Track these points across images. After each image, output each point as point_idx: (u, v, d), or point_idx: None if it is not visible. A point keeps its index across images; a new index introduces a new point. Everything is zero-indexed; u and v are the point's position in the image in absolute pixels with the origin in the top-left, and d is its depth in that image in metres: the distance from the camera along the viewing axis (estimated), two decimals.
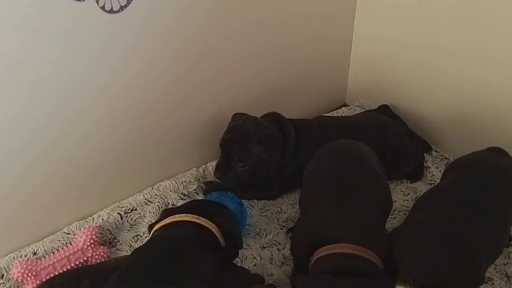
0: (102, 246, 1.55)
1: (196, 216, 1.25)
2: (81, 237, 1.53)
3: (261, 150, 1.62)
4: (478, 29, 1.62)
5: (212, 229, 1.25)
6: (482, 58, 1.65)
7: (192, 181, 1.77)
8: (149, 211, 1.68)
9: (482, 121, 1.75)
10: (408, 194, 1.75)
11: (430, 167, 1.83)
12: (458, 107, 1.80)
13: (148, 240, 1.28)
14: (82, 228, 1.57)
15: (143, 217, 1.67)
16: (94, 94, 1.47)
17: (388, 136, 1.75)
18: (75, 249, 1.51)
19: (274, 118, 1.73)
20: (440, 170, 1.81)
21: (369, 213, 1.28)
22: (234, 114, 1.72)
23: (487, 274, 1.45)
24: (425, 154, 1.86)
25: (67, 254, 1.50)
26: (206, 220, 1.26)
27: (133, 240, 1.61)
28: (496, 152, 1.48)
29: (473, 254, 1.18)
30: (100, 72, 1.44)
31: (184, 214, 1.26)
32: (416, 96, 1.95)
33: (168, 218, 1.27)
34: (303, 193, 1.47)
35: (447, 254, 1.16)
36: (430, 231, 1.22)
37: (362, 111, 2.09)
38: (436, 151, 1.90)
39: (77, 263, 1.49)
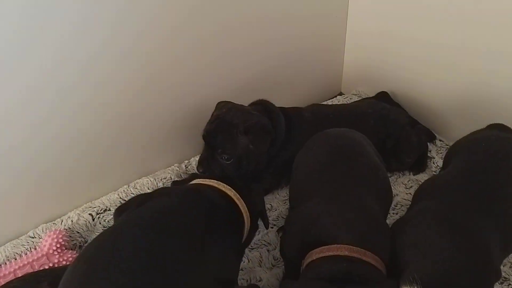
0: (70, 251, 1.41)
1: (233, 191, 1.19)
2: (47, 241, 1.39)
3: (248, 141, 1.47)
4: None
5: (242, 209, 1.19)
6: (491, 33, 1.50)
7: (173, 177, 1.62)
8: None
9: (488, 105, 1.61)
10: (411, 187, 1.61)
11: (434, 157, 1.70)
12: (463, 91, 1.67)
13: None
14: (47, 231, 1.42)
15: None
16: (68, 86, 1.35)
17: (387, 124, 1.61)
18: (40, 255, 1.37)
19: (262, 106, 1.59)
20: None
21: (367, 207, 1.13)
22: (218, 102, 1.59)
23: (503, 273, 1.29)
24: (428, 143, 1.73)
25: (30, 260, 1.35)
26: (240, 198, 1.19)
27: None
28: (498, 129, 1.36)
29: (486, 247, 1.04)
30: (71, 63, 1.32)
31: (223, 185, 1.20)
32: (417, 82, 1.82)
33: (206, 180, 1.21)
34: (293, 187, 1.33)
35: (457, 249, 1.01)
36: (437, 223, 1.07)
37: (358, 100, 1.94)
38: (440, 140, 1.77)
39: (42, 269, 1.33)
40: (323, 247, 1.05)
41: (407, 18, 1.72)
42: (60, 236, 1.39)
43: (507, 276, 1.31)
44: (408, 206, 1.50)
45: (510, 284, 1.29)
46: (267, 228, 1.32)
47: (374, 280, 1.00)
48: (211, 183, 1.20)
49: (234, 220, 1.18)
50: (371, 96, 1.92)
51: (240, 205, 1.18)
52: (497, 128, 1.36)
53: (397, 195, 1.56)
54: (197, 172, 1.53)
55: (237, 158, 1.48)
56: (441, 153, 1.71)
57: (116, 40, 1.36)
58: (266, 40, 1.73)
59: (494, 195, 1.13)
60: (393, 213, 1.50)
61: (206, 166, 1.51)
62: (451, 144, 1.68)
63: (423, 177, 1.63)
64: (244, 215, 1.19)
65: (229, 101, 1.57)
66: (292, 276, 1.24)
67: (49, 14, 1.22)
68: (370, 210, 1.13)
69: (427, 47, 1.70)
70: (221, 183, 1.21)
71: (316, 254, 1.05)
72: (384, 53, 1.87)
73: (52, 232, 1.39)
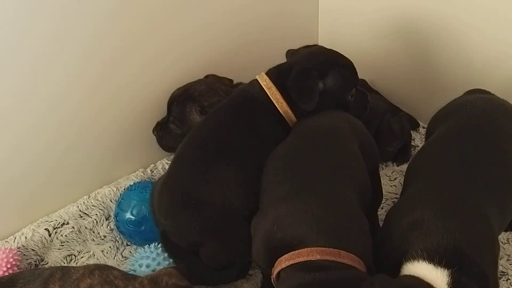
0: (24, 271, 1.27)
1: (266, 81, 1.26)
2: None
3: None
4: None
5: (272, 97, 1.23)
6: (472, 11, 1.41)
7: None
8: (86, 226, 1.41)
9: (473, 87, 1.47)
10: (396, 178, 1.52)
11: (418, 146, 1.61)
12: (444, 74, 1.56)
13: None
14: None
15: (77, 232, 1.40)
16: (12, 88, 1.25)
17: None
18: None
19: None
20: None
21: (338, 202, 1.03)
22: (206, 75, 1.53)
23: (500, 267, 1.19)
24: (412, 131, 1.63)
25: None
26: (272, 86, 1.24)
27: (65, 261, 1.35)
28: (477, 92, 1.29)
29: (487, 218, 0.97)
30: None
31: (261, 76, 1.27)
32: (394, 67, 1.71)
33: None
34: (261, 187, 1.20)
35: (459, 223, 0.93)
36: (435, 200, 0.99)
37: None
38: (423, 127, 1.66)
39: None
40: (292, 252, 0.94)
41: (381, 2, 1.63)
42: (11, 255, 1.28)
43: (504, 270, 1.20)
44: (393, 200, 1.44)
45: (509, 279, 1.18)
46: None
47: (353, 283, 0.90)
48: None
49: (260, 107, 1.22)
50: None
51: (269, 93, 1.22)
52: (476, 92, 1.29)
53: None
54: None
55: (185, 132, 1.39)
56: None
57: (57, 37, 1.26)
58: (234, 28, 1.61)
59: (487, 159, 1.06)
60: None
61: (159, 129, 1.49)
62: None
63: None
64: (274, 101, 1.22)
65: (215, 75, 1.52)
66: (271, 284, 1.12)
67: None
68: (341, 202, 1.03)
69: (404, 31, 1.60)
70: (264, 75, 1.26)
71: (285, 261, 0.95)
72: (359, 39, 1.77)
73: (1, 252, 1.28)
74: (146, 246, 1.24)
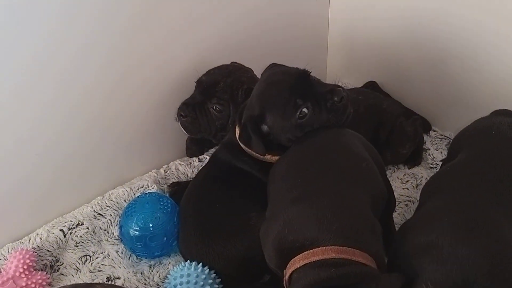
0: (40, 272, 1.29)
1: None
2: (12, 262, 1.27)
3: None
4: None
5: None
6: (485, 16, 1.43)
7: (150, 184, 1.49)
8: (100, 227, 1.41)
9: (483, 90, 1.53)
10: (408, 181, 1.52)
11: (429, 149, 1.61)
12: (455, 76, 1.58)
13: None
14: (13, 251, 1.30)
15: (92, 233, 1.40)
16: (24, 86, 1.25)
17: (380, 113, 1.51)
18: (5, 278, 1.25)
19: None
20: (441, 151, 1.60)
21: (349, 203, 1.03)
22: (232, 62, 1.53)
23: None
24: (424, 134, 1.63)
25: None
26: None
27: (80, 262, 1.35)
28: (504, 115, 1.28)
29: (508, 245, 0.93)
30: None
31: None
32: (405, 70, 1.73)
33: None
34: (268, 197, 1.20)
35: (477, 251, 0.90)
36: (452, 224, 0.97)
37: None
38: (434, 131, 1.68)
39: None
40: (306, 252, 0.94)
41: (391, 4, 1.65)
42: (27, 256, 1.27)
43: None
44: (405, 202, 1.45)
45: None
46: None
47: (368, 279, 0.90)
48: None
49: None
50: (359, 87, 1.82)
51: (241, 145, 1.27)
52: (503, 114, 1.28)
53: (393, 191, 1.44)
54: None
55: (228, 113, 1.41)
56: (436, 144, 1.63)
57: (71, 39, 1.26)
58: (247, 35, 1.63)
59: (509, 187, 1.04)
60: None
61: (192, 111, 1.42)
62: (446, 133, 1.65)
63: (419, 170, 1.54)
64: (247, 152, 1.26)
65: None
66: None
67: None
68: (352, 205, 1.03)
69: (415, 33, 1.61)
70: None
71: (299, 261, 0.94)
72: (369, 41, 1.78)
73: (17, 253, 1.27)
74: (181, 264, 1.23)
